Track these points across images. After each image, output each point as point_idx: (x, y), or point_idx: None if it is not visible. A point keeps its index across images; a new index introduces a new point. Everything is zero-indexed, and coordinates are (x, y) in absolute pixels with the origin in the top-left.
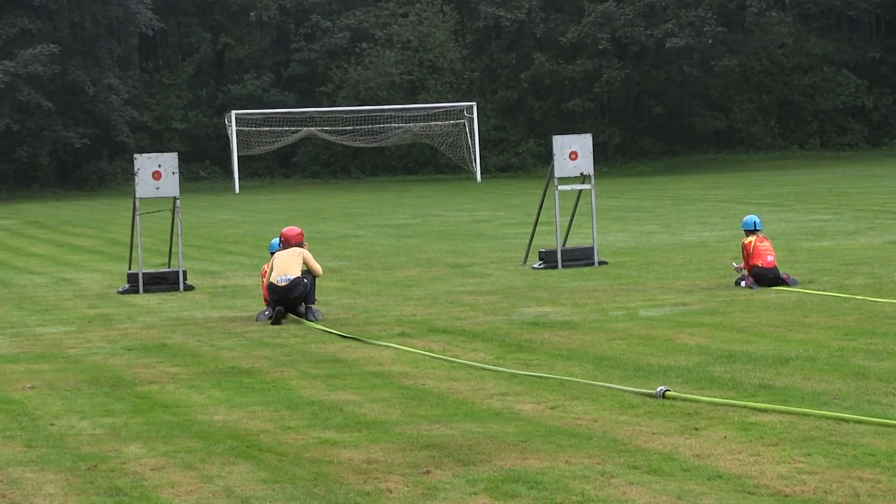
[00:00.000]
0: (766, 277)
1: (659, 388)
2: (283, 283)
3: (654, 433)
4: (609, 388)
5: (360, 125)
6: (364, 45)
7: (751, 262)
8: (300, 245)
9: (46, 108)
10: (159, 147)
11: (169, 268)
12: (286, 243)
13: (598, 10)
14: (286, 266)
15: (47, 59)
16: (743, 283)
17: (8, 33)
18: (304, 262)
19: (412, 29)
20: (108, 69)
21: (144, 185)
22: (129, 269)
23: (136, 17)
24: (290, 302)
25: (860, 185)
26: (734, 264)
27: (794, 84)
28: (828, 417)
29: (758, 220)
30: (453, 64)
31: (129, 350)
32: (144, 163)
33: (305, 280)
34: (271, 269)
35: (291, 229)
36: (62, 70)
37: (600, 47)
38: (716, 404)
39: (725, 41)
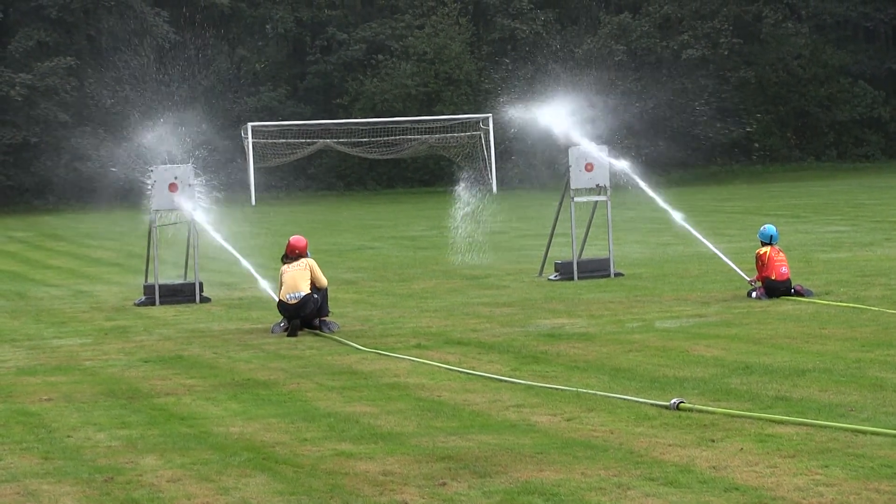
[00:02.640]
0: (777, 290)
1: (673, 400)
2: (293, 301)
3: (670, 445)
4: (625, 399)
5: (376, 137)
6: (380, 57)
7: (764, 274)
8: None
9: (63, 121)
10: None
11: (185, 280)
12: (295, 253)
13: (613, 22)
14: (295, 283)
15: (64, 72)
16: (754, 295)
17: (25, 46)
18: (312, 274)
19: (428, 41)
20: (125, 82)
21: (161, 197)
22: (146, 281)
23: (152, 30)
24: (301, 319)
25: (877, 197)
26: (747, 278)
27: (810, 95)
28: (845, 429)
29: (775, 233)
30: (469, 76)
31: (146, 362)
32: (161, 175)
33: (316, 296)
34: (280, 286)
35: (298, 239)
36: (79, 83)
37: (616, 59)
38: (732, 416)
39: (741, 52)
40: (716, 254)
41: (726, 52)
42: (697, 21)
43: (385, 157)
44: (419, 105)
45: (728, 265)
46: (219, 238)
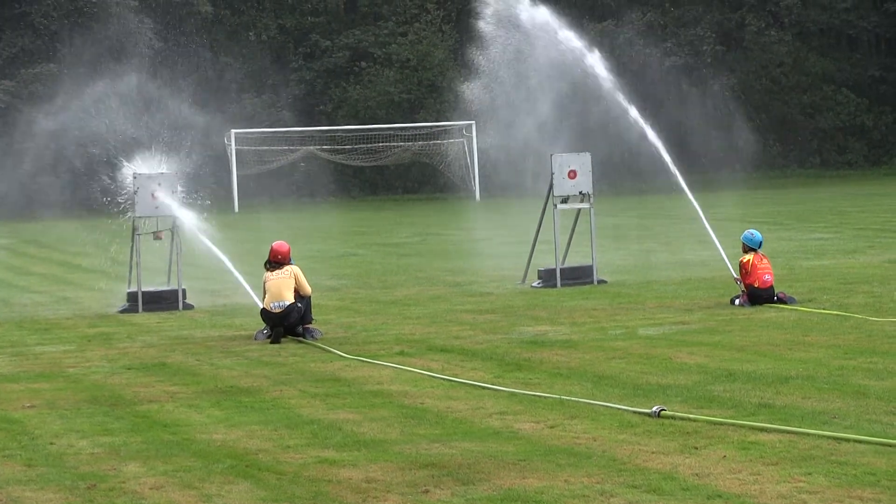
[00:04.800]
0: (761, 297)
1: (655, 408)
2: (278, 310)
3: (653, 452)
4: (608, 407)
5: (359, 144)
6: (363, 64)
7: (747, 281)
8: (289, 261)
9: (47, 129)
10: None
11: (168, 286)
12: (278, 259)
13: (596, 29)
14: (280, 291)
15: (47, 79)
16: (737, 302)
17: (8, 52)
18: (296, 282)
19: (411, 48)
20: (109, 88)
21: (144, 204)
22: (129, 287)
23: (135, 37)
24: (285, 328)
25: (860, 204)
26: (735, 275)
27: (793, 103)
28: (828, 437)
29: (762, 239)
30: (452, 83)
31: (129, 369)
32: (144, 182)
33: (299, 305)
34: (265, 294)
35: (282, 245)
36: (63, 90)
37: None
38: (715, 423)
39: (724, 60)
40: (702, 257)
41: (709, 60)
42: (680, 28)
43: (368, 164)
44: (402, 112)
45: (719, 267)
46: (201, 235)
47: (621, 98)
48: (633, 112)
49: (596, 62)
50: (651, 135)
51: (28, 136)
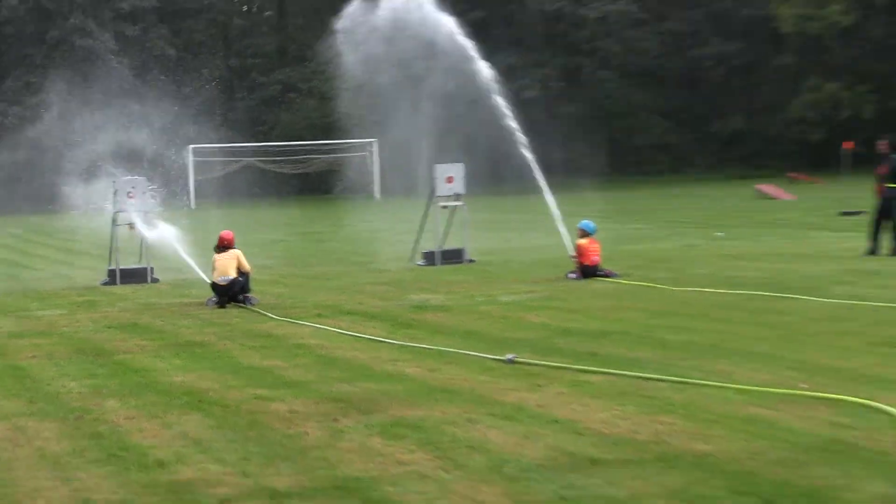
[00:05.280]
0: (590, 272)
1: (509, 356)
2: (224, 283)
3: (507, 389)
4: (474, 355)
5: (288, 157)
6: (292, 95)
7: (580, 260)
8: (233, 245)
9: (49, 146)
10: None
11: (140, 265)
12: (224, 243)
13: (468, 70)
14: (225, 268)
15: (47, 106)
16: (572, 276)
17: (17, 85)
18: (238, 262)
19: (328, 83)
20: (94, 114)
21: (121, 203)
22: (109, 266)
23: (114, 73)
24: (228, 296)
25: (665, 203)
26: (570, 254)
27: (617, 126)
28: (638, 377)
29: (595, 227)
30: (360, 109)
31: (109, 328)
32: (122, 185)
33: (241, 278)
34: (213, 270)
35: (228, 233)
36: (61, 115)
37: (469, 98)
38: (554, 367)
39: (566, 93)
40: (547, 243)
41: (555, 94)
42: (533, 68)
43: (295, 171)
44: (321, 132)
45: (559, 251)
46: (166, 238)
47: (511, 122)
48: (519, 134)
49: (490, 84)
50: (527, 150)
51: (33, 152)
